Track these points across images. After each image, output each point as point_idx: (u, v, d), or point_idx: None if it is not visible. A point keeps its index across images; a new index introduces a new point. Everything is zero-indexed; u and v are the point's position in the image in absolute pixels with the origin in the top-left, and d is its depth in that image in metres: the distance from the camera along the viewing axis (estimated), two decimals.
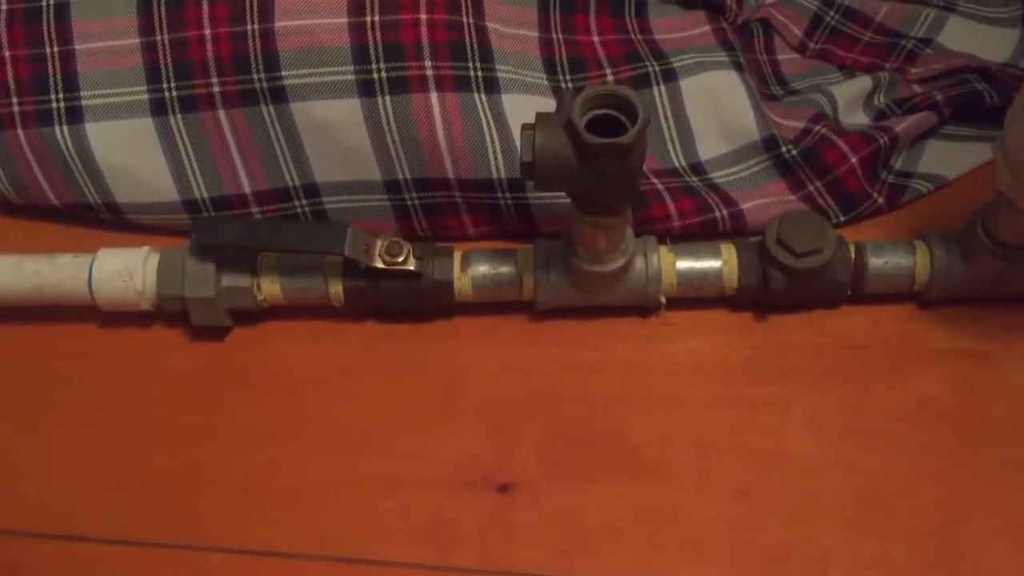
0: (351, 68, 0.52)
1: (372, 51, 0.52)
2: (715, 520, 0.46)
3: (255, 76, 0.52)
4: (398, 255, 0.50)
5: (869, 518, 0.46)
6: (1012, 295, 0.52)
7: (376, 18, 0.52)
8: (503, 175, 0.53)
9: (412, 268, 0.51)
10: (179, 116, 0.54)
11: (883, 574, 0.44)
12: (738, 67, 0.58)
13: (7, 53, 0.54)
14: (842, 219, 0.57)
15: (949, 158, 0.60)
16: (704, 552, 0.45)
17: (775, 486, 0.47)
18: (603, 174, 0.43)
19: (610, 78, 0.57)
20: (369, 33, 0.52)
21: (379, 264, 0.50)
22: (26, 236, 0.57)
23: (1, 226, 0.58)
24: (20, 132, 0.54)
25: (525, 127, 0.43)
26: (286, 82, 0.52)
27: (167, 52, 0.53)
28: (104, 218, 0.57)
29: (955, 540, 0.45)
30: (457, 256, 0.52)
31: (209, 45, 0.52)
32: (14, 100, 0.54)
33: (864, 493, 0.47)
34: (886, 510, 0.46)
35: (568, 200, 0.46)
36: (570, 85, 0.57)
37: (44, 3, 0.54)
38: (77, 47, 0.54)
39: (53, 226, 0.58)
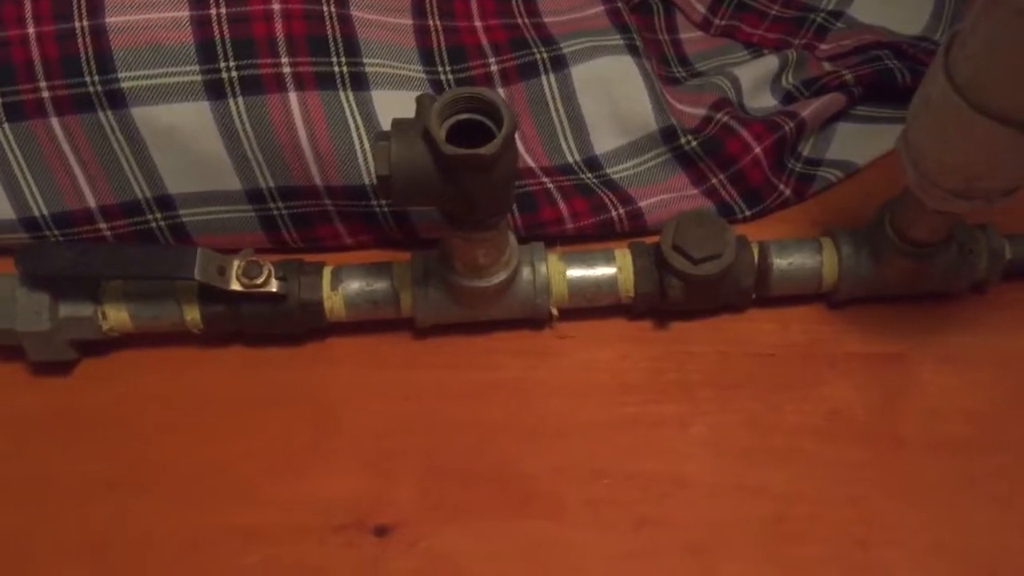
0: (197, 68, 0.46)
1: (219, 48, 0.46)
2: (611, 557, 0.43)
3: (88, 79, 0.46)
4: (257, 277, 0.45)
5: (775, 547, 0.43)
6: (926, 292, 0.49)
7: (222, 10, 0.46)
8: (375, 180, 0.48)
9: (275, 290, 0.46)
10: (6, 126, 0.48)
11: None
12: (634, 51, 0.54)
13: None
14: (748, 214, 0.53)
15: (860, 143, 0.56)
16: None
17: (675, 516, 0.44)
18: (469, 188, 0.38)
19: (494, 68, 0.52)
20: (215, 27, 0.46)
21: (237, 287, 0.45)
22: None
23: None
24: None
25: (379, 136, 0.38)
26: (123, 84, 0.46)
27: None
28: None
29: (867, 568, 0.42)
30: (327, 273, 0.47)
31: (33, 46, 0.46)
32: None
33: (770, 519, 0.43)
34: (793, 537, 0.43)
35: None
36: (450, 78, 0.52)
37: None
38: None
39: None
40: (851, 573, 0.42)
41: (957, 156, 0.39)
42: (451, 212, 0.41)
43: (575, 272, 0.48)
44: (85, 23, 0.46)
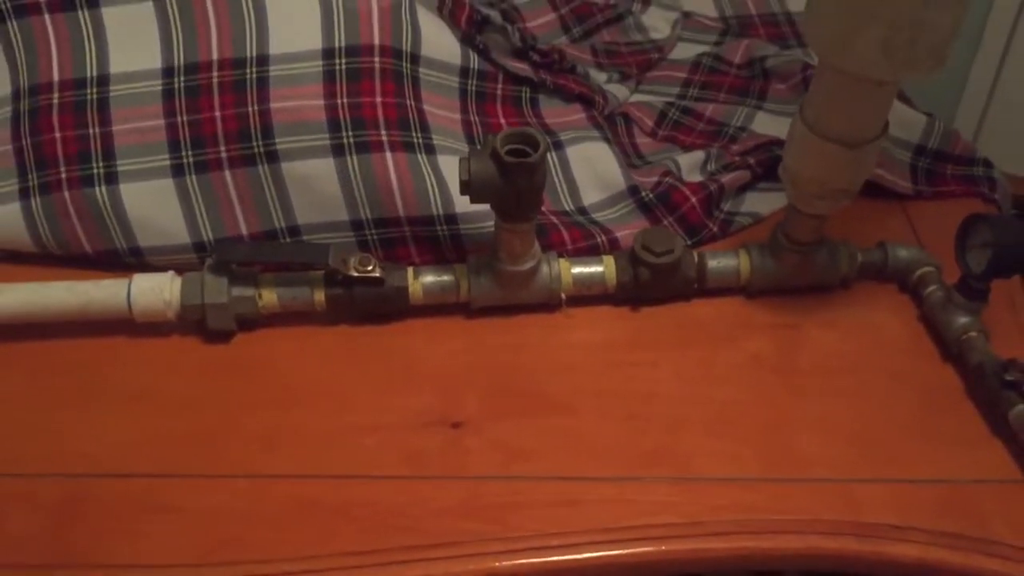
0: (327, 135, 0.71)
1: (343, 123, 0.71)
2: (610, 437, 0.64)
3: (254, 144, 0.70)
4: (368, 265, 0.68)
5: (721, 429, 0.64)
6: (811, 284, 0.73)
7: (345, 100, 0.71)
8: (441, 212, 0.72)
9: (378, 275, 0.68)
10: (194, 177, 0.71)
11: (732, 463, 0.62)
12: (607, 141, 0.80)
13: (57, 135, 0.71)
14: (689, 243, 0.77)
15: (762, 202, 0.82)
16: (602, 458, 0.62)
17: (653, 413, 0.65)
18: (518, 186, 0.62)
19: None
20: (340, 110, 0.71)
21: (353, 273, 0.68)
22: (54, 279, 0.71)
23: (41, 274, 0.72)
24: (66, 194, 0.71)
25: (462, 159, 0.63)
26: (278, 147, 0.70)
27: (186, 129, 0.71)
28: (127, 261, 0.73)
29: (778, 439, 0.64)
30: (410, 269, 0.70)
31: (219, 123, 0.71)
32: (62, 169, 0.71)
33: (716, 414, 0.65)
34: (732, 423, 0.65)
35: (489, 230, 0.66)
36: None
37: (89, 98, 0.71)
38: (114, 128, 0.71)
39: (76, 272, 0.72)
40: (770, 443, 0.63)
41: (811, 168, 0.64)
42: (504, 207, 0.64)
43: (577, 269, 0.71)
44: (255, 108, 0.70)
